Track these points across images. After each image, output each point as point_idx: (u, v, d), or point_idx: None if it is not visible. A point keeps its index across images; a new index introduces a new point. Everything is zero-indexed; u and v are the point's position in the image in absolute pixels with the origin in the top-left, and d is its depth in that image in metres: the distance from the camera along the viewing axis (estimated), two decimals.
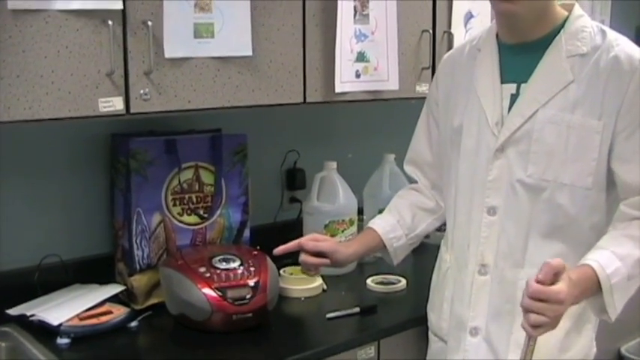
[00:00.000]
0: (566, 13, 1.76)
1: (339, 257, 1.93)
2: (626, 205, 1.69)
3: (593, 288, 1.58)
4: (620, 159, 1.68)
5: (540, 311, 1.46)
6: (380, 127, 2.93)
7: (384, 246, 2.00)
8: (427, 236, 2.12)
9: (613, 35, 1.73)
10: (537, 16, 1.71)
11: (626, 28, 4.43)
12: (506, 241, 1.75)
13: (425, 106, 2.03)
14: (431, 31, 2.50)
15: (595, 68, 1.68)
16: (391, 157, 2.69)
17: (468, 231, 1.82)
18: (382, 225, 2.02)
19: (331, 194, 2.48)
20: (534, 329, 1.48)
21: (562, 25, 1.74)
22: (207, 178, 2.27)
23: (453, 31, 2.56)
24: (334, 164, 2.50)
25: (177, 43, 1.89)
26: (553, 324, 1.49)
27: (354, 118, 2.86)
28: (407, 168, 2.10)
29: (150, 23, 1.83)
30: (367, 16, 2.29)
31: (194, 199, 2.25)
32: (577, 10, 1.77)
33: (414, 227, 2.03)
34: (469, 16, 2.61)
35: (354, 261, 2.04)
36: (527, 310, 1.48)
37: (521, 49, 1.76)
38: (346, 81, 2.25)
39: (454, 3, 2.57)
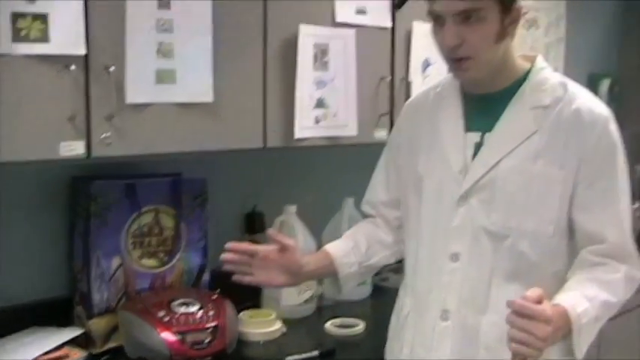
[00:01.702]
0: (528, 65, 1.80)
1: (298, 257, 1.91)
2: (587, 252, 1.72)
3: (565, 327, 1.59)
4: (581, 208, 1.72)
5: (526, 328, 1.47)
6: (339, 172, 2.96)
7: (335, 271, 1.98)
8: (385, 279, 2.14)
9: (574, 88, 1.78)
10: (496, 73, 1.75)
11: (579, 74, 4.54)
12: (468, 287, 1.76)
13: (386, 150, 2.05)
14: (389, 78, 2.55)
15: (557, 120, 1.73)
16: (350, 201, 2.72)
17: (430, 276, 1.83)
18: (336, 249, 2.00)
19: (290, 238, 2.49)
20: (518, 347, 1.47)
21: (525, 77, 1.78)
22: (167, 221, 2.28)
23: (411, 78, 2.61)
24: (294, 208, 2.53)
25: (139, 89, 1.91)
26: (537, 346, 1.48)
27: (313, 163, 2.89)
28: (364, 207, 2.11)
29: (112, 69, 1.85)
30: (327, 63, 2.33)
31: (154, 243, 2.26)
32: (540, 62, 1.82)
33: (368, 257, 2.01)
34: (427, 64, 2.65)
35: (305, 275, 1.97)
36: (512, 326, 1.48)
37: (485, 99, 1.80)
38: (306, 127, 2.29)
39: (412, 50, 2.61)
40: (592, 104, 1.75)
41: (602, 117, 1.73)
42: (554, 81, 1.78)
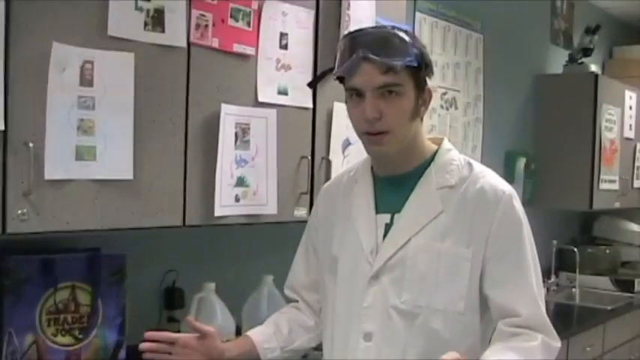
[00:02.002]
0: (435, 147, 1.87)
1: (219, 343, 1.88)
2: (504, 324, 1.75)
3: None
4: (492, 284, 1.76)
5: None
6: (259, 249, 2.98)
7: (257, 356, 1.96)
8: (305, 355, 2.14)
9: (479, 168, 1.86)
10: (407, 152, 1.82)
11: (497, 153, 4.71)
12: None
13: (305, 233, 2.07)
14: (310, 157, 2.60)
15: (463, 199, 1.79)
16: (269, 278, 2.73)
17: (345, 355, 1.84)
18: (258, 334, 2.00)
19: (209, 315, 2.49)
20: None
21: (432, 159, 1.85)
22: (83, 298, 2.25)
23: (331, 157, 2.67)
24: (213, 285, 2.53)
25: (58, 165, 1.91)
26: None
27: (233, 240, 2.90)
28: (286, 292, 2.11)
29: (31, 144, 1.84)
30: (248, 142, 2.37)
31: (69, 320, 2.23)
32: (446, 144, 1.89)
33: (290, 341, 2.01)
34: (347, 144, 2.72)
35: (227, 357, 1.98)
36: None
37: (395, 181, 1.85)
38: (226, 205, 2.31)
39: (333, 130, 2.68)
40: (495, 182, 1.82)
41: (505, 194, 1.79)
42: (459, 162, 1.85)
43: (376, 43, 1.72)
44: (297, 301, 2.07)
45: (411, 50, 1.73)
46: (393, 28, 1.80)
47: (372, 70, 1.70)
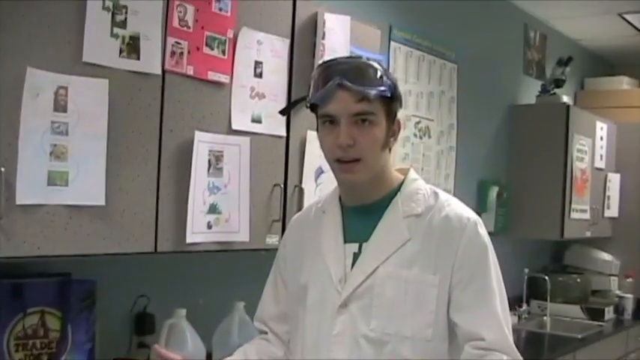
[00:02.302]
0: (402, 177, 1.91)
1: None
2: (470, 346, 1.77)
3: None
4: (458, 309, 1.78)
5: None
6: (230, 276, 2.98)
7: None
8: None
9: (445, 196, 1.89)
10: (375, 182, 1.84)
11: (469, 181, 4.75)
12: None
13: (274, 264, 2.08)
14: (282, 185, 2.62)
15: (429, 227, 1.82)
16: (241, 305, 2.73)
17: None
18: None
19: (180, 341, 2.48)
20: None
21: (398, 188, 1.88)
22: (53, 323, 2.24)
23: (303, 185, 2.69)
24: (183, 311, 2.52)
25: (30, 190, 1.90)
26: None
27: (205, 266, 2.90)
28: (255, 324, 2.11)
29: (2, 169, 1.84)
30: (221, 169, 2.38)
31: (38, 345, 2.22)
32: (412, 174, 1.93)
33: None
34: (320, 172, 2.74)
35: None
36: None
37: (362, 210, 1.88)
38: (198, 232, 2.31)
39: (306, 158, 2.70)
40: (460, 210, 1.85)
41: (470, 221, 1.82)
42: (425, 191, 1.89)
43: (352, 71, 1.76)
44: (266, 333, 2.07)
45: (384, 81, 1.78)
46: (367, 59, 1.85)
47: (348, 98, 1.74)
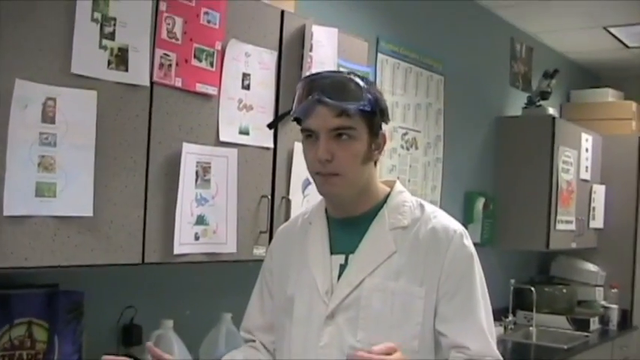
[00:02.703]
0: (388, 189, 1.92)
1: None
2: (456, 350, 1.79)
3: None
4: (443, 320, 1.80)
5: None
6: (217, 287, 2.98)
7: None
8: None
9: (431, 208, 1.91)
10: (360, 195, 1.86)
11: (456, 192, 4.77)
12: None
13: (260, 276, 2.08)
14: (270, 197, 2.63)
15: (415, 239, 1.84)
16: (228, 316, 2.73)
17: None
18: None
19: (167, 352, 2.43)
20: None
21: (385, 201, 1.90)
22: (40, 335, 2.24)
23: (291, 197, 2.69)
24: (171, 322, 2.53)
25: (17, 201, 1.90)
26: None
27: (192, 277, 2.89)
28: (242, 333, 2.12)
29: None
30: (209, 181, 2.39)
31: (25, 357, 2.21)
32: (398, 186, 1.94)
33: None
34: (307, 183, 2.74)
35: None
36: None
37: (348, 222, 1.89)
38: (185, 243, 2.32)
39: (293, 170, 2.71)
40: (446, 222, 1.87)
41: (456, 233, 1.85)
42: (411, 203, 1.90)
43: (332, 86, 1.77)
44: (253, 341, 2.08)
45: (365, 95, 1.77)
46: (350, 73, 1.86)
47: (326, 113, 1.75)
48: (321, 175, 1.79)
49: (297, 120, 1.84)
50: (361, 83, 1.79)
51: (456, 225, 1.88)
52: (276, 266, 2.02)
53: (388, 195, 1.91)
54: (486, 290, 1.86)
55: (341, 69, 2.85)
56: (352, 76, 1.81)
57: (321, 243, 1.91)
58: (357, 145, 1.78)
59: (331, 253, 1.88)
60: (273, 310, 2.02)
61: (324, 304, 1.84)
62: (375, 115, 1.81)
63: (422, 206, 1.90)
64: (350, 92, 1.77)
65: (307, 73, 2.72)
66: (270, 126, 2.42)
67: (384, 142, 1.87)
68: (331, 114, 1.75)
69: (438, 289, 1.80)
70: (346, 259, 1.86)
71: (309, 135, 1.79)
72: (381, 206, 1.89)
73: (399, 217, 1.87)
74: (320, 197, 1.98)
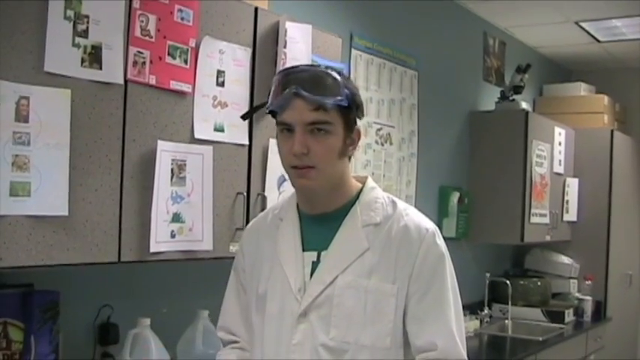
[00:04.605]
0: (360, 185, 1.92)
1: None
2: (420, 358, 1.80)
3: None
4: (413, 319, 1.81)
5: None
6: (194, 284, 2.97)
7: None
8: None
9: (402, 206, 1.91)
10: (333, 189, 1.86)
11: (431, 187, 4.79)
12: None
13: (233, 274, 2.07)
14: (245, 194, 2.63)
15: (387, 236, 1.84)
16: (205, 313, 2.73)
17: None
18: None
19: (144, 350, 2.48)
20: None
21: (357, 197, 1.90)
22: (15, 335, 2.23)
23: (266, 193, 2.70)
24: (147, 321, 2.52)
25: None
26: None
27: (168, 275, 2.89)
28: (220, 334, 2.08)
29: None
30: (184, 178, 2.38)
31: (1, 357, 2.19)
32: (370, 182, 1.95)
33: None
34: (282, 180, 2.75)
35: None
36: None
37: (321, 219, 1.89)
38: (161, 241, 2.31)
39: (268, 166, 2.71)
40: (418, 220, 1.87)
41: (428, 232, 1.85)
42: (383, 200, 1.90)
43: (309, 80, 1.77)
44: (235, 342, 2.05)
45: (342, 90, 1.78)
46: (327, 67, 1.86)
47: (303, 107, 1.75)
48: (297, 168, 1.79)
49: (272, 113, 1.84)
50: (338, 78, 1.79)
51: (428, 223, 1.88)
52: (248, 263, 2.01)
53: (360, 191, 1.91)
54: (457, 290, 1.87)
55: None
56: (330, 71, 1.82)
57: (293, 240, 1.90)
58: (333, 140, 1.79)
59: (303, 250, 1.88)
60: (247, 307, 2.00)
61: (297, 301, 1.83)
62: (352, 110, 1.81)
63: (394, 203, 1.91)
64: (327, 87, 1.77)
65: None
66: (244, 117, 2.41)
67: (359, 138, 1.88)
68: (308, 108, 1.75)
69: (408, 286, 1.81)
70: (318, 256, 1.86)
71: (284, 128, 1.79)
72: (353, 203, 1.89)
73: (372, 214, 1.87)
74: (290, 193, 1.99)
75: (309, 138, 1.76)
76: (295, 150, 1.75)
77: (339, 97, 1.77)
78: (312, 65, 1.98)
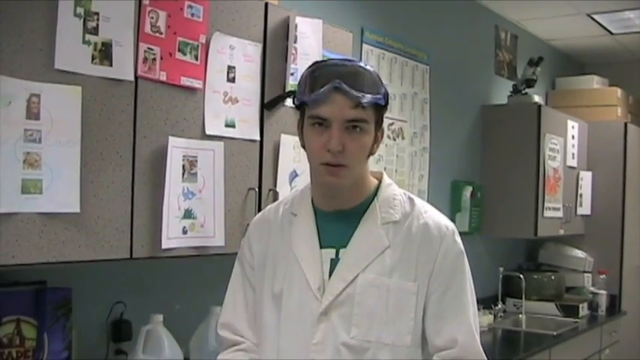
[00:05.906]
0: (376, 182, 1.90)
1: None
2: (439, 357, 1.79)
3: None
4: (433, 317, 1.80)
5: None
6: (206, 281, 2.97)
7: None
8: None
9: (420, 203, 1.89)
10: (355, 187, 1.83)
11: (443, 182, 4.78)
12: None
13: (238, 268, 2.00)
14: (257, 189, 2.62)
15: (408, 234, 1.82)
16: (217, 309, 2.70)
17: None
18: None
19: (157, 347, 2.49)
20: None
21: (374, 194, 1.88)
22: (29, 332, 2.23)
23: (278, 189, 2.69)
24: (160, 317, 2.52)
25: (3, 199, 1.89)
26: None
27: (181, 271, 2.90)
28: (223, 332, 1.96)
29: None
30: (195, 174, 2.38)
31: (14, 354, 2.20)
32: (386, 179, 1.93)
33: None
34: (294, 175, 2.75)
35: None
36: None
37: (338, 215, 1.86)
38: (173, 237, 2.31)
39: (280, 162, 2.70)
40: (438, 219, 1.86)
41: (448, 230, 1.84)
42: (401, 197, 1.89)
43: (350, 76, 1.73)
44: (238, 343, 1.94)
45: (380, 88, 1.77)
46: (362, 63, 1.83)
47: (344, 102, 1.72)
48: (329, 165, 1.75)
49: (300, 106, 1.80)
50: (375, 75, 1.78)
51: (447, 221, 1.87)
52: (257, 260, 1.94)
53: (377, 188, 1.89)
54: (473, 287, 1.86)
55: None
56: (367, 67, 1.79)
57: (310, 236, 1.86)
58: (367, 139, 1.77)
59: (321, 247, 1.85)
60: (255, 305, 1.93)
61: (317, 300, 1.80)
62: (385, 109, 1.79)
63: (411, 200, 1.89)
64: (367, 83, 1.75)
65: (292, 65, 2.72)
66: (267, 106, 2.37)
67: (382, 136, 1.86)
68: (349, 104, 1.72)
69: (428, 284, 1.80)
70: (337, 254, 1.83)
71: (317, 123, 1.75)
72: (371, 199, 1.87)
73: (391, 212, 1.85)
74: (301, 187, 1.97)
75: (345, 135, 1.73)
76: (332, 147, 1.72)
77: (379, 96, 1.76)
78: (347, 59, 1.91)
